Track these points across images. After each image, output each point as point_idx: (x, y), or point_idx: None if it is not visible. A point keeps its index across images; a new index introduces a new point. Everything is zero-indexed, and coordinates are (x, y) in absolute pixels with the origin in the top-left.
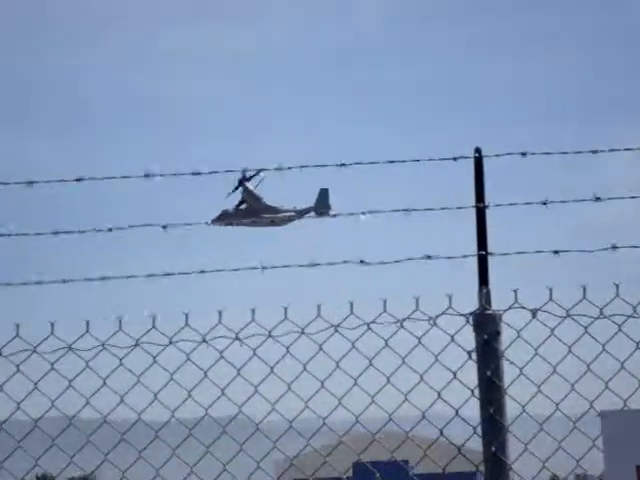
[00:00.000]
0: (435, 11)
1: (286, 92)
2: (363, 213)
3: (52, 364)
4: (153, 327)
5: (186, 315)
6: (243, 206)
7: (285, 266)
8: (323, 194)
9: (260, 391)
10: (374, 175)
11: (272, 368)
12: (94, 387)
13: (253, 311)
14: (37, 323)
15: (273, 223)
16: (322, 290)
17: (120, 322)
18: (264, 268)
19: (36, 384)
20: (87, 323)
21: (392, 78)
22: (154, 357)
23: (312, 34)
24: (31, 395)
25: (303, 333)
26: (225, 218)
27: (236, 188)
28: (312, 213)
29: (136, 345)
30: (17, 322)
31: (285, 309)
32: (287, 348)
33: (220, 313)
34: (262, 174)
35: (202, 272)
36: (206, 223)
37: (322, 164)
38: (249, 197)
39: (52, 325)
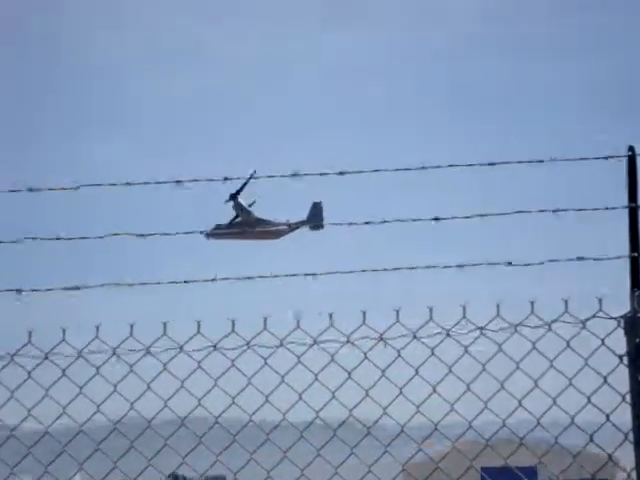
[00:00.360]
0: (578, 4)
1: (407, 90)
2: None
3: (201, 365)
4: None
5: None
6: (237, 219)
7: (430, 267)
8: (316, 208)
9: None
10: (519, 176)
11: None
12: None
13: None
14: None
15: (266, 236)
16: (468, 293)
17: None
18: (412, 268)
19: (183, 382)
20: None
21: (536, 76)
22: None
23: (445, 29)
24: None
25: (450, 335)
26: (219, 231)
27: (227, 201)
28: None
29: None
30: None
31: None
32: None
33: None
34: (256, 198)
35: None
36: (201, 233)
37: (469, 163)
38: (241, 211)
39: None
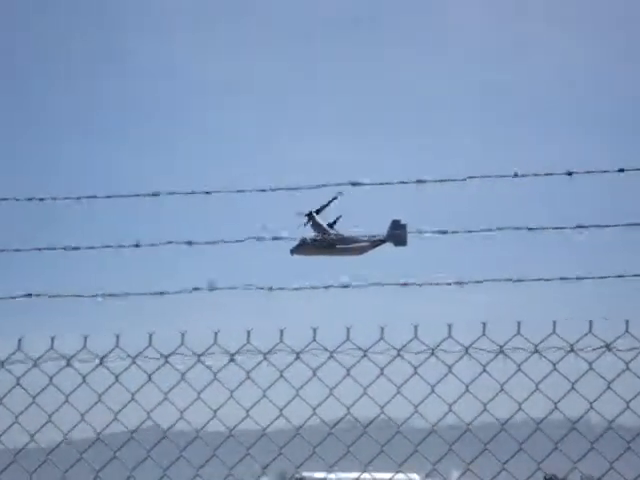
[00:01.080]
0: None
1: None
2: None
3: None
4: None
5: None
6: (319, 237)
7: (585, 278)
8: (396, 224)
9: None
10: None
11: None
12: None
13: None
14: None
15: (350, 252)
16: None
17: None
18: (564, 278)
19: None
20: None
21: None
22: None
23: None
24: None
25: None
26: (304, 247)
27: (307, 221)
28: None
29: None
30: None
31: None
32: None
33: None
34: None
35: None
36: (290, 240)
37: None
38: (319, 229)
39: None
